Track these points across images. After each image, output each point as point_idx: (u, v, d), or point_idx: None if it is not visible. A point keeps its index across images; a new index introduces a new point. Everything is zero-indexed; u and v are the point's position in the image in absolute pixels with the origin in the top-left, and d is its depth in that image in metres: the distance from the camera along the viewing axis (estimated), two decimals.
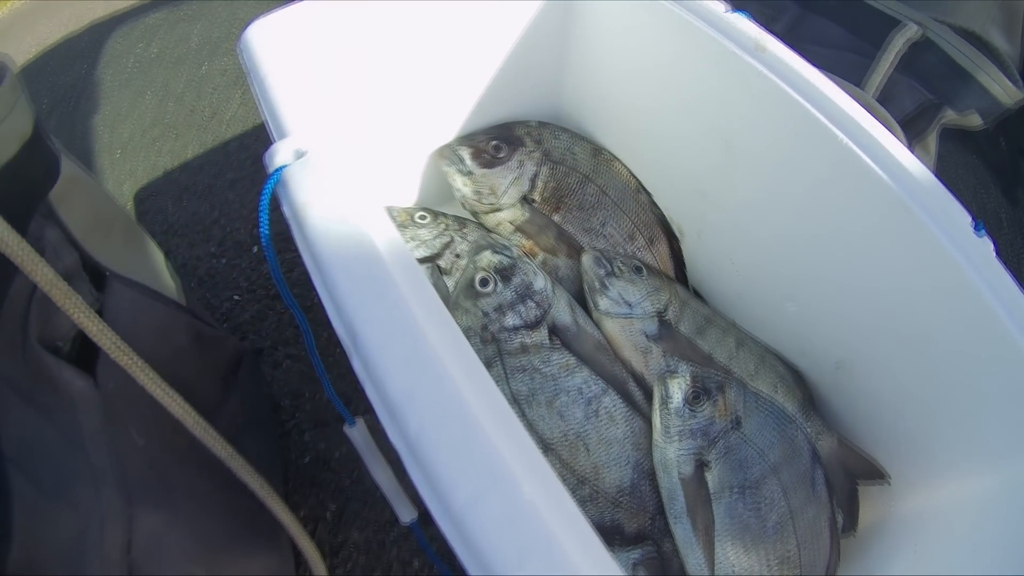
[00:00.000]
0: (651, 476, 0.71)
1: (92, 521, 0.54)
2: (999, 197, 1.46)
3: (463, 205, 0.89)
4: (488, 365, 0.71)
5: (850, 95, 0.63)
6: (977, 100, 0.88)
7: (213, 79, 1.57)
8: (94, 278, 0.62)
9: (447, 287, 0.81)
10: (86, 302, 0.51)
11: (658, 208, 0.91)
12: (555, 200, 0.88)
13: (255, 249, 1.21)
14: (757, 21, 0.67)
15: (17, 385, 0.53)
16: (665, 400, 0.69)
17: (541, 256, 0.87)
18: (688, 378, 0.70)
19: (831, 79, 0.64)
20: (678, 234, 0.91)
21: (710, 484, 0.68)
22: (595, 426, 0.70)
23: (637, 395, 0.75)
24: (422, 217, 0.84)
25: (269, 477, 0.66)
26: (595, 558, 0.36)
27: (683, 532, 0.68)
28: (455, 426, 0.37)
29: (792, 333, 0.80)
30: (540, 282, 0.75)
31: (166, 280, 0.76)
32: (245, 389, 0.83)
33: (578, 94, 0.94)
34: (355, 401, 0.97)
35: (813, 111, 0.63)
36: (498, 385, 0.69)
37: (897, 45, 0.84)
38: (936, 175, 0.60)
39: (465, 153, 0.85)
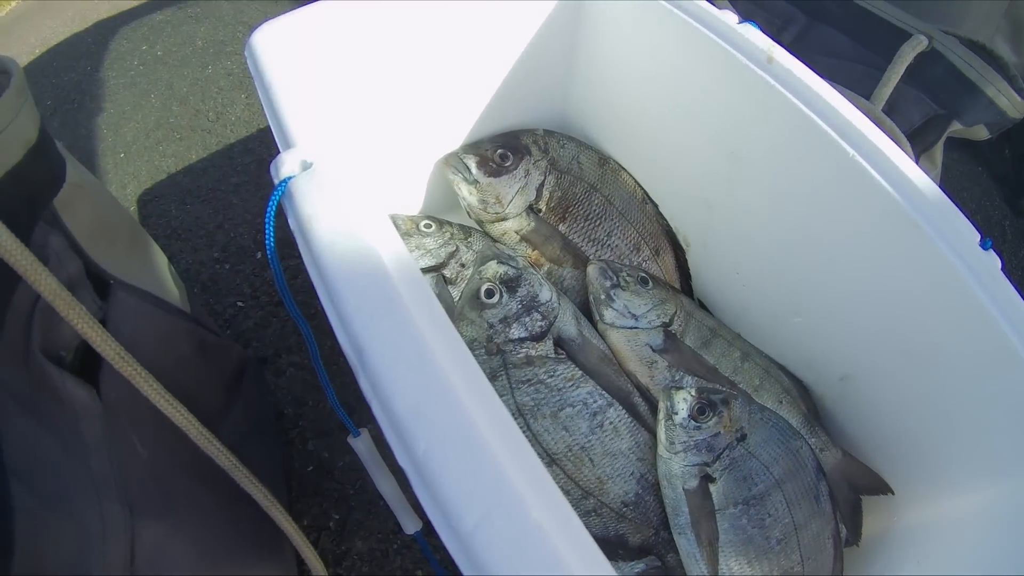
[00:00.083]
0: (655, 489, 0.71)
1: (94, 533, 0.54)
2: (1003, 206, 1.45)
3: (468, 214, 0.88)
4: (493, 377, 0.70)
5: (858, 108, 0.63)
6: (984, 113, 0.87)
7: (218, 81, 1.56)
8: (98, 286, 0.62)
9: (452, 297, 0.81)
10: (89, 312, 0.50)
11: (664, 219, 0.91)
12: (561, 210, 0.87)
13: (259, 255, 1.21)
14: (766, 32, 0.67)
15: (19, 395, 0.53)
16: (670, 413, 0.69)
17: (546, 266, 0.87)
18: (694, 391, 0.69)
19: (839, 91, 0.64)
20: (684, 245, 0.91)
21: (714, 497, 0.68)
22: (600, 438, 0.70)
23: (642, 407, 0.74)
24: (427, 226, 0.84)
25: (272, 486, 0.66)
26: None
27: (687, 545, 0.68)
28: (462, 447, 0.37)
29: (797, 345, 0.80)
30: (546, 293, 0.74)
31: (170, 287, 0.75)
32: (248, 398, 0.83)
33: (585, 102, 0.94)
34: (359, 411, 0.97)
35: (821, 124, 0.62)
36: (503, 397, 0.69)
37: (907, 57, 0.84)
38: (941, 187, 0.60)
39: (471, 161, 0.84)
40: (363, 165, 0.81)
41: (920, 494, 0.70)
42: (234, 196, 1.32)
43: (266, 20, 0.65)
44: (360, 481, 0.95)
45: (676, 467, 0.68)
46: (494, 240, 0.89)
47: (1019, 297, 0.56)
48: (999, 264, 0.57)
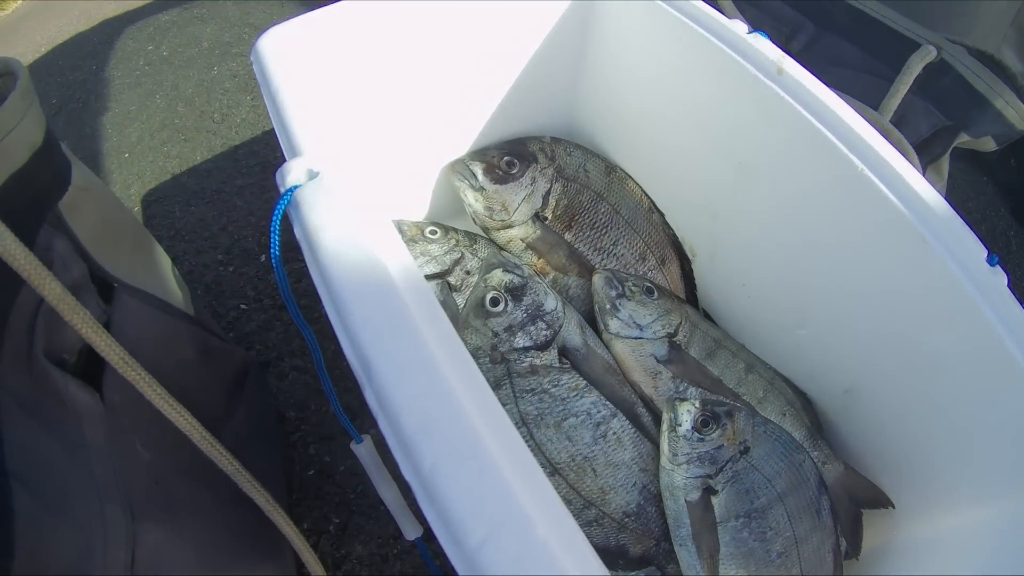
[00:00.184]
0: (657, 500, 0.71)
1: (95, 537, 0.53)
2: (1008, 217, 1.45)
3: (474, 221, 0.88)
4: (497, 386, 0.70)
5: (866, 119, 0.62)
6: (992, 125, 0.87)
7: (223, 82, 1.56)
8: (102, 289, 0.62)
9: (456, 304, 0.80)
10: (93, 315, 0.50)
11: (670, 228, 0.91)
12: (567, 218, 0.87)
13: (263, 257, 1.20)
14: (775, 42, 0.67)
15: (22, 398, 0.53)
16: (674, 425, 0.69)
17: (552, 275, 0.86)
18: (698, 404, 0.69)
19: (847, 101, 0.64)
20: (690, 255, 0.90)
21: (716, 510, 0.68)
22: (603, 449, 0.70)
23: (645, 418, 0.74)
24: (432, 232, 0.83)
25: (273, 490, 0.66)
26: None
27: (688, 557, 0.68)
28: (469, 463, 0.36)
29: (802, 358, 0.80)
30: (551, 302, 0.74)
31: (174, 289, 0.75)
32: (251, 402, 0.83)
33: (592, 109, 0.93)
34: (361, 416, 0.96)
35: (830, 136, 0.62)
36: (506, 406, 0.69)
37: (915, 68, 0.84)
38: (947, 199, 0.59)
39: (477, 168, 0.84)
40: (370, 171, 0.81)
41: (921, 509, 0.70)
42: (238, 198, 1.32)
43: (272, 24, 0.65)
44: (361, 486, 0.95)
45: (678, 479, 0.68)
46: (500, 248, 0.89)
47: None
48: (1006, 280, 0.57)
